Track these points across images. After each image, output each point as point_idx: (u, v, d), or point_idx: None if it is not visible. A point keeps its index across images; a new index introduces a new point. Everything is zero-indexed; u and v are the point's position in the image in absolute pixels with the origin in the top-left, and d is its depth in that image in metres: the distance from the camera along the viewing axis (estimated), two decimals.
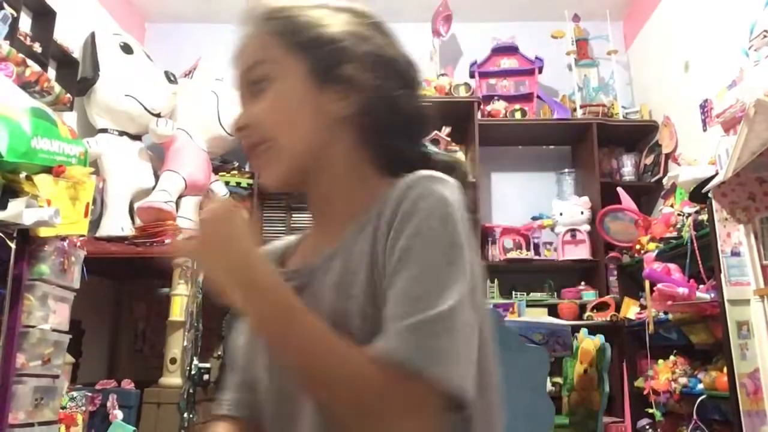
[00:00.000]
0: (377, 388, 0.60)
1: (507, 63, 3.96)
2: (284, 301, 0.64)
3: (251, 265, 0.66)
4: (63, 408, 2.22)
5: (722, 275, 2.19)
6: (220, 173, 3.63)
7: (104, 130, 3.27)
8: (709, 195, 2.27)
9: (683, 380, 2.61)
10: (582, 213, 3.59)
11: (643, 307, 3.07)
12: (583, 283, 3.57)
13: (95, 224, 3.03)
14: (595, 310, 3.37)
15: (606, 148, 3.82)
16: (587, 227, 3.58)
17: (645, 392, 2.86)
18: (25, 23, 2.84)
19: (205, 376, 2.61)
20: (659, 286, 2.55)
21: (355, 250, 0.70)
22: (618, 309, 3.31)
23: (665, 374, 2.71)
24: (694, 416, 2.45)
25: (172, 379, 2.57)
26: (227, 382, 0.85)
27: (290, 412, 0.72)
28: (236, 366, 0.84)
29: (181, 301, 2.65)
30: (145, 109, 3.31)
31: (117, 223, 3.10)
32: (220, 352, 3.09)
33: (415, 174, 0.70)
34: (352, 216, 0.73)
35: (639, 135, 3.82)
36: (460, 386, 0.60)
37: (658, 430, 2.84)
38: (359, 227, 0.71)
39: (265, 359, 0.77)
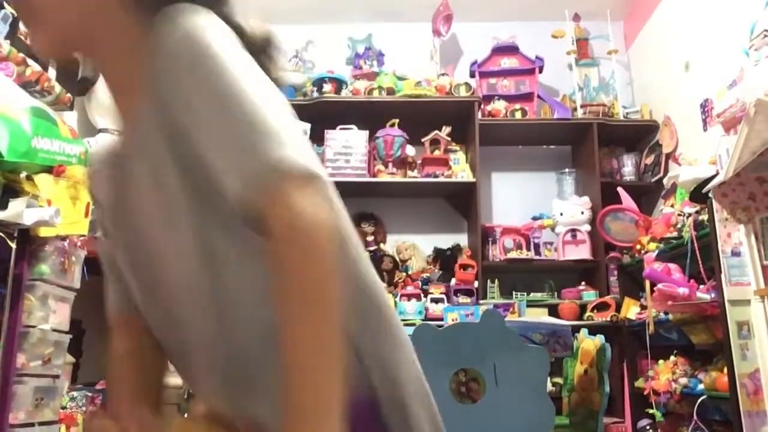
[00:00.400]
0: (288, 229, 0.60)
1: (507, 63, 3.96)
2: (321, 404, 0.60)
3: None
4: (63, 408, 2.23)
5: (722, 275, 2.19)
6: None
7: (105, 130, 3.27)
8: (710, 195, 2.27)
9: (683, 380, 2.61)
10: (582, 213, 3.59)
11: (643, 308, 3.06)
12: (583, 283, 3.57)
13: (96, 224, 3.03)
14: (595, 311, 3.37)
15: (606, 147, 3.82)
16: (588, 227, 3.58)
17: (645, 392, 2.86)
18: None
19: None
20: (659, 286, 2.55)
21: (148, 122, 0.69)
22: (618, 309, 3.31)
23: (665, 374, 2.71)
24: (695, 416, 2.45)
25: (172, 379, 2.56)
26: (107, 290, 0.89)
27: (182, 338, 0.74)
28: (109, 275, 0.88)
29: None
30: None
31: None
32: None
33: (171, 24, 0.66)
34: (139, 86, 0.70)
35: (639, 135, 3.82)
36: (299, 163, 0.61)
37: (659, 430, 2.84)
38: (144, 97, 0.69)
39: (141, 282, 0.79)
